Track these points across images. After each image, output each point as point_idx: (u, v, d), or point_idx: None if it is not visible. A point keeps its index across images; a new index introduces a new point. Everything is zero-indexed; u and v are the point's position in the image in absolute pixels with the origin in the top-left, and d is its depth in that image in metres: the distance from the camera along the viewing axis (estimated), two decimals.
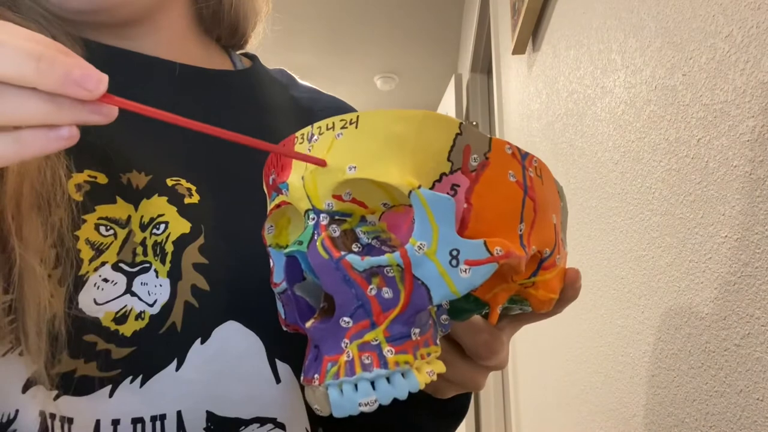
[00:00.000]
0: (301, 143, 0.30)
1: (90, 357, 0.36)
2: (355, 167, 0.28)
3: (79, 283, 0.37)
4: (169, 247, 0.40)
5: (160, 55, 0.49)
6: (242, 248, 0.43)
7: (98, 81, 0.24)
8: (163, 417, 0.37)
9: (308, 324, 0.30)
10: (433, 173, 0.29)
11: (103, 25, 0.46)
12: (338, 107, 0.60)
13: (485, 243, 0.29)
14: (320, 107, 0.58)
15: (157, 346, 0.38)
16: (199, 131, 0.27)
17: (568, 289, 0.37)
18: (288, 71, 0.62)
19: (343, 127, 0.29)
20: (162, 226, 0.40)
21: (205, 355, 0.39)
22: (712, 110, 0.52)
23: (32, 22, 0.42)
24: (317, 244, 0.29)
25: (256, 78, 0.55)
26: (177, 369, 0.38)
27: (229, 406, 0.39)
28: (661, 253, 0.62)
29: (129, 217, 0.39)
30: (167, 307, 0.38)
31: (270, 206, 0.33)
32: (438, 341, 0.32)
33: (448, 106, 2.95)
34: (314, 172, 0.29)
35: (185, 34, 0.52)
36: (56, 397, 0.36)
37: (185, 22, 0.52)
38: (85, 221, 0.38)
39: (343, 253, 0.29)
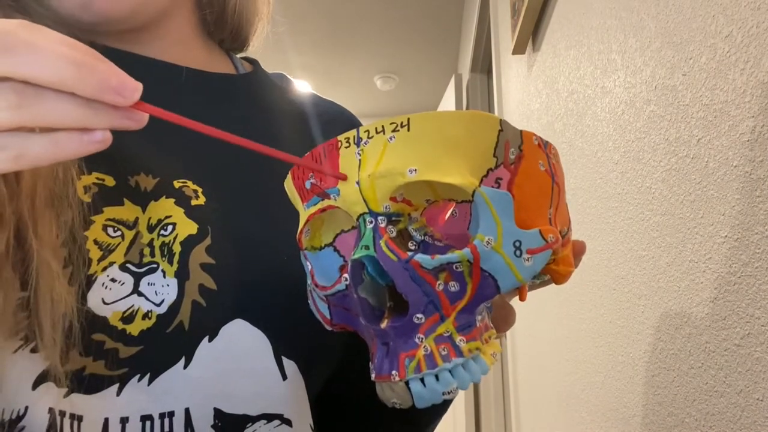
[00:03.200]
0: (347, 147, 0.31)
1: (98, 355, 0.37)
2: (416, 170, 0.29)
3: (88, 282, 0.37)
4: (177, 248, 0.40)
5: (165, 59, 0.50)
6: (248, 248, 0.43)
7: (133, 89, 0.25)
8: (171, 414, 0.38)
9: (383, 324, 0.32)
10: (482, 169, 0.30)
11: (112, 32, 0.47)
12: (337, 111, 0.61)
13: (540, 232, 0.31)
14: (319, 111, 0.59)
15: (164, 345, 0.38)
16: (226, 141, 0.28)
17: (575, 260, 0.38)
18: (287, 75, 0.62)
19: (394, 131, 0.30)
20: (169, 228, 0.41)
21: (212, 352, 0.39)
22: (712, 110, 0.52)
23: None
24: (382, 247, 0.30)
25: (257, 82, 0.56)
26: (185, 367, 0.39)
27: (236, 403, 0.40)
28: (661, 253, 0.62)
29: (137, 218, 0.40)
30: (175, 307, 0.39)
31: (311, 210, 0.33)
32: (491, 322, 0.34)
33: (448, 106, 2.95)
34: (372, 177, 0.30)
35: (190, 39, 0.53)
36: (66, 395, 0.36)
37: (190, 27, 0.53)
38: (93, 222, 0.39)
39: (409, 254, 0.30)
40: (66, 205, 0.38)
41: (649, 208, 0.65)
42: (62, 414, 0.36)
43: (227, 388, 0.39)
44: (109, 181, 0.41)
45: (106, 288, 0.38)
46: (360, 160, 0.30)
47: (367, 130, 0.31)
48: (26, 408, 0.36)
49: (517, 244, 0.30)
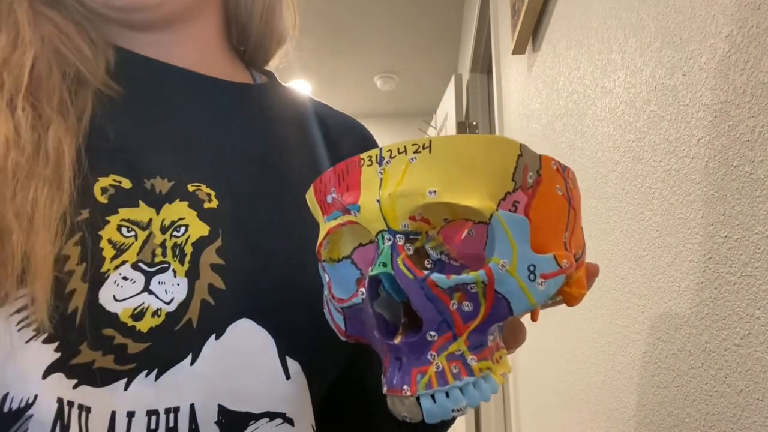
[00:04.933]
0: (369, 165, 0.32)
1: (108, 350, 0.38)
2: (435, 191, 0.30)
3: (101, 279, 0.39)
4: (188, 249, 0.42)
5: (185, 62, 0.51)
6: (257, 250, 0.44)
7: None
8: (176, 410, 0.38)
9: (396, 340, 0.32)
10: (500, 192, 0.31)
11: (138, 27, 0.49)
12: (349, 123, 0.63)
13: (555, 257, 0.31)
14: (332, 122, 0.61)
15: (172, 342, 0.39)
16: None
17: (588, 282, 0.39)
18: (301, 87, 0.64)
19: (416, 152, 0.31)
20: (182, 229, 0.42)
21: (219, 350, 0.40)
22: (712, 110, 0.52)
23: (72, 23, 0.45)
24: (399, 265, 0.31)
25: (271, 93, 0.58)
26: (192, 363, 0.39)
27: (240, 400, 0.40)
28: (661, 253, 0.62)
29: (150, 220, 0.42)
30: (184, 305, 0.40)
31: (331, 224, 0.34)
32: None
33: (448, 106, 2.94)
34: (393, 195, 0.31)
35: (212, 44, 0.55)
36: (76, 386, 0.37)
37: (214, 35, 0.55)
38: (108, 222, 0.40)
39: (426, 272, 0.31)
40: (80, 206, 0.39)
41: (649, 208, 0.65)
42: (71, 404, 0.37)
43: (232, 385, 0.40)
44: (126, 183, 0.42)
45: (117, 285, 0.39)
46: (381, 178, 0.31)
47: (390, 150, 0.31)
48: (35, 396, 0.37)
49: (532, 268, 0.31)
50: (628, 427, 0.71)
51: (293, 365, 0.43)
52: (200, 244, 0.42)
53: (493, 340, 0.32)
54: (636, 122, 0.69)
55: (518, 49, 1.34)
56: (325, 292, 0.37)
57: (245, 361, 0.41)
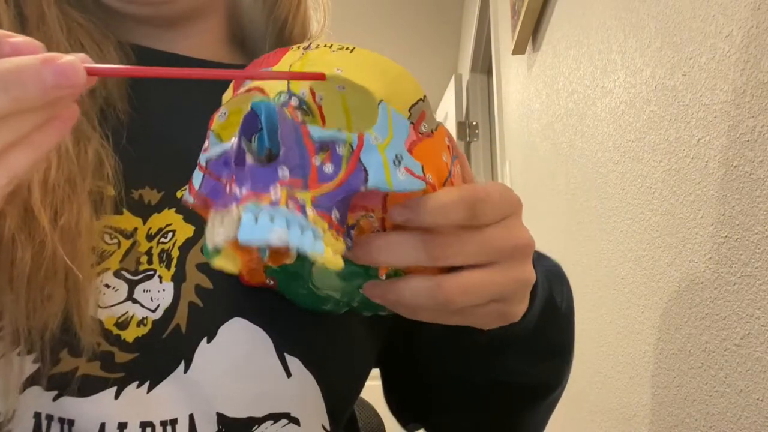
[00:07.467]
0: (296, 51, 0.33)
1: (92, 357, 0.36)
2: (341, 70, 0.31)
3: (81, 286, 0.37)
4: (175, 253, 0.40)
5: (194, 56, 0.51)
6: None
7: (74, 70, 0.23)
8: (174, 422, 0.37)
9: (247, 164, 0.30)
10: (396, 107, 0.32)
11: (150, 24, 0.49)
12: None
13: (422, 167, 0.31)
14: None
15: (162, 351, 0.38)
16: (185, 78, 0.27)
17: None
18: None
19: (339, 49, 0.33)
20: (169, 235, 0.41)
21: (212, 354, 0.38)
22: (712, 110, 0.52)
23: (96, 25, 0.45)
24: (281, 108, 0.30)
25: None
26: (185, 371, 0.38)
27: (240, 406, 0.39)
28: (661, 253, 0.62)
29: (135, 228, 0.40)
30: (170, 310, 0.38)
31: (239, 91, 0.33)
32: None
33: (448, 106, 2.94)
34: (304, 60, 0.32)
35: (220, 42, 0.55)
36: (56, 398, 0.36)
37: (222, 31, 0.55)
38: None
39: (301, 121, 0.30)
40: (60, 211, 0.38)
41: (649, 208, 0.65)
42: (49, 418, 0.35)
43: (229, 390, 0.39)
44: (110, 191, 0.40)
45: (99, 293, 0.37)
46: (301, 56, 0.33)
47: (318, 45, 0.33)
48: (14, 412, 0.35)
49: (399, 157, 0.30)
50: (628, 427, 0.71)
51: (293, 362, 0.41)
52: (186, 246, 0.41)
53: (336, 218, 0.30)
54: (636, 122, 0.69)
55: (518, 49, 1.34)
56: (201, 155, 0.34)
57: (241, 362, 0.39)
